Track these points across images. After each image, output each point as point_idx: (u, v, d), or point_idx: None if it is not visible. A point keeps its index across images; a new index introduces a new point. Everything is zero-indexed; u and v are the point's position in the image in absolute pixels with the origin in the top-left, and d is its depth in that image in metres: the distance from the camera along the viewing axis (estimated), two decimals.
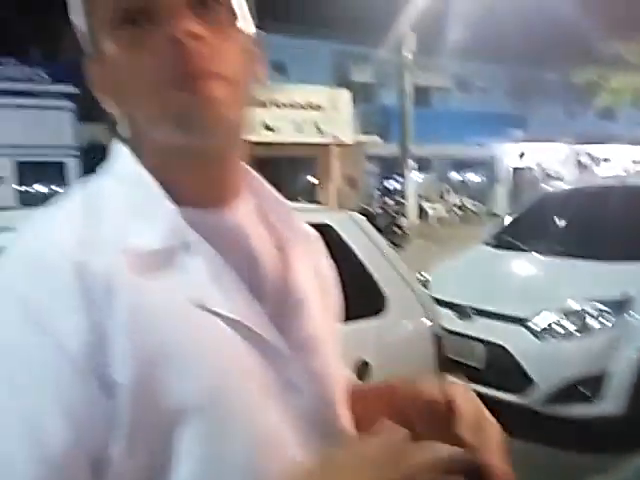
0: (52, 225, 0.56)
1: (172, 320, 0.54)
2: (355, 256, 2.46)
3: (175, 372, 0.53)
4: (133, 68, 0.56)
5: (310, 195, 18.14)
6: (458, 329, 3.68)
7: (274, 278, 0.64)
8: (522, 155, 22.02)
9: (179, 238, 0.58)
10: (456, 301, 3.86)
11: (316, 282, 0.70)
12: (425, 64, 17.60)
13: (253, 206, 0.68)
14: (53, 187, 14.25)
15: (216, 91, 0.56)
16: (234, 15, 0.61)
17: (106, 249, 0.54)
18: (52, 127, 13.97)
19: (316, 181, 18.35)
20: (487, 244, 4.87)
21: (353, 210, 2.88)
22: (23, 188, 14.23)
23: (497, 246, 4.72)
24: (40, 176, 14.34)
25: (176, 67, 0.55)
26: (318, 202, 17.12)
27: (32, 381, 0.50)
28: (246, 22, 0.63)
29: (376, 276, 2.47)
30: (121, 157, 0.63)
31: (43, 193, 14.34)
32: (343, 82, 18.23)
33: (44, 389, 0.49)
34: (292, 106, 15.44)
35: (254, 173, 0.71)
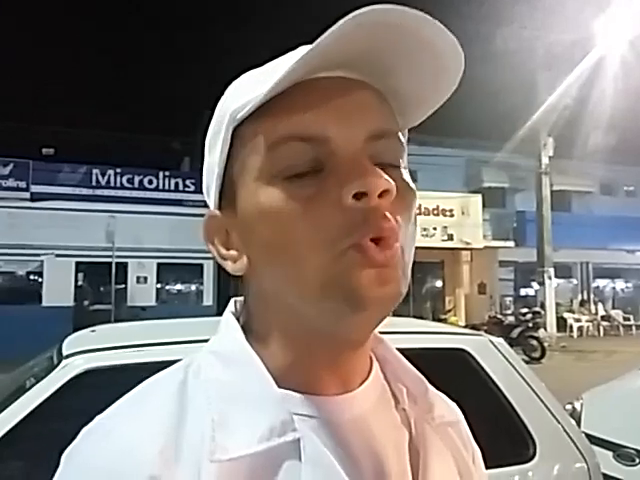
0: (136, 421, 0.46)
1: None
2: (496, 388, 2.14)
3: None
4: (291, 226, 0.45)
5: (437, 300, 17.66)
6: (621, 477, 3.07)
7: None
8: None
9: (285, 436, 0.45)
10: (616, 441, 3.26)
11: None
12: (564, 168, 16.94)
13: (381, 386, 0.55)
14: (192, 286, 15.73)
15: (396, 262, 0.45)
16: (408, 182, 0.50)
17: (192, 457, 0.44)
18: (195, 232, 15.18)
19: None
20: None
21: (482, 317, 2.61)
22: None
23: None
24: (180, 276, 15.63)
25: (363, 228, 0.43)
26: (449, 311, 16.58)
27: None
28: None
29: (521, 413, 2.13)
30: (229, 331, 0.52)
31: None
32: (475, 188, 18.01)
33: None
34: (421, 213, 15.41)
35: (385, 341, 0.58)
